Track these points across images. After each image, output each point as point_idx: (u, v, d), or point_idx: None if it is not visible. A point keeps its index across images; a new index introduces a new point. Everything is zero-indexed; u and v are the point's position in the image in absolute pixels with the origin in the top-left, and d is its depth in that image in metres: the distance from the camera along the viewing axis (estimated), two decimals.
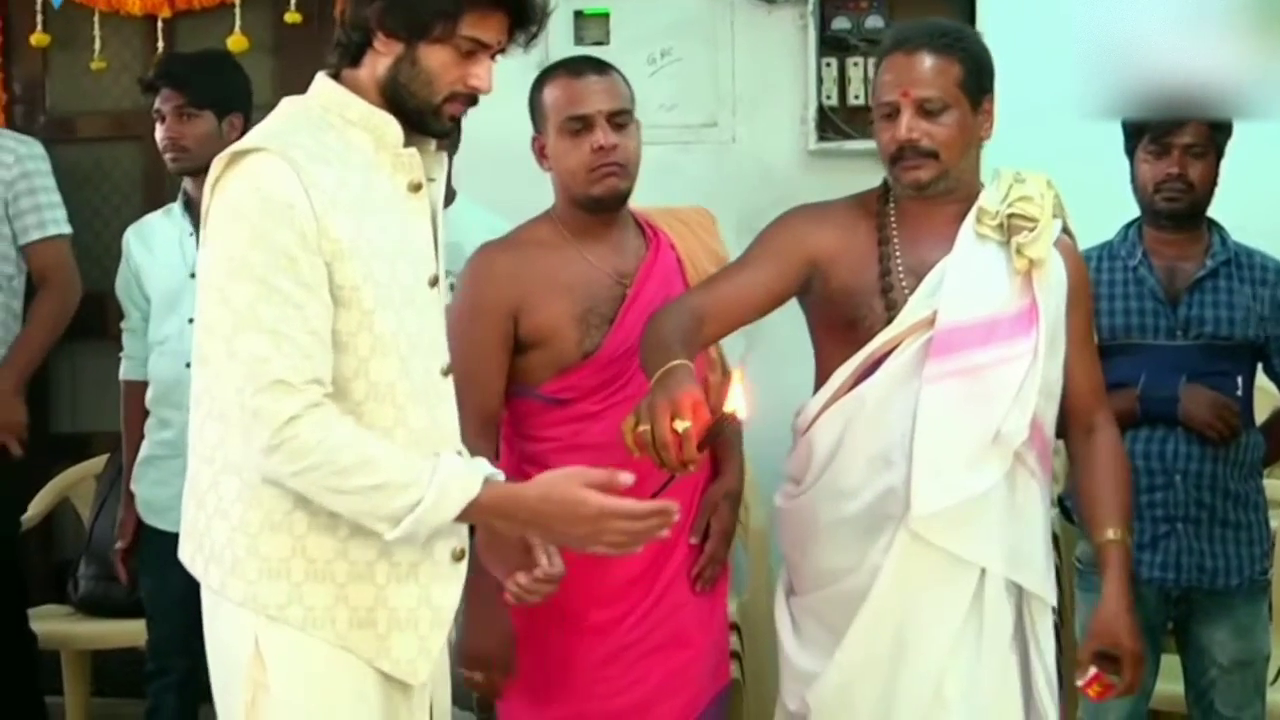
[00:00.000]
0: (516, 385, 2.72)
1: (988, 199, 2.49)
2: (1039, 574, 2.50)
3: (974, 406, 2.40)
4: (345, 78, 2.07)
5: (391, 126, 2.04)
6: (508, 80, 2.18)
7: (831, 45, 4.02)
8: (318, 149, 1.99)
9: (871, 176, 3.86)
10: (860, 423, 2.45)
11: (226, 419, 1.99)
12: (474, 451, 2.22)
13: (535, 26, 2.06)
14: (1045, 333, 2.44)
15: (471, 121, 2.23)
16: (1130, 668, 2.49)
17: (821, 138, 4.03)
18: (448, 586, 2.08)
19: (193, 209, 3.49)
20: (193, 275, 3.33)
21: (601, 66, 2.73)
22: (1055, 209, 2.50)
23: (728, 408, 2.08)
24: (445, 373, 2.12)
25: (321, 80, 2.08)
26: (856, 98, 3.99)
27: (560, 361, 2.68)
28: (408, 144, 2.06)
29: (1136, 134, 3.09)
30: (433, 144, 2.12)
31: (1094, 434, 2.59)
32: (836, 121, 4.03)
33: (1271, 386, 3.26)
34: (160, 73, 3.56)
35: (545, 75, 2.74)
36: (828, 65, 4.02)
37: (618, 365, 2.67)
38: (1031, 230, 2.44)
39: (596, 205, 2.69)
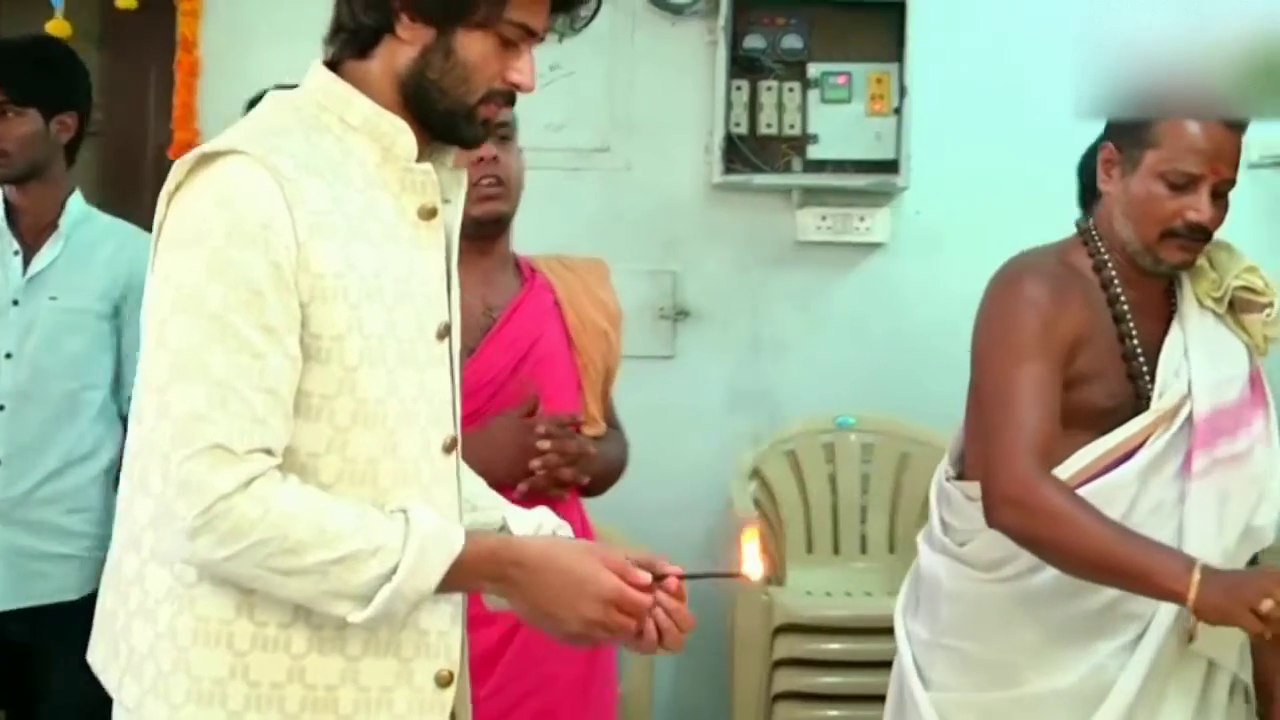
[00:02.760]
0: None
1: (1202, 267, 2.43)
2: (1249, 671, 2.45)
3: (1235, 501, 2.33)
4: (348, 70, 1.75)
5: (404, 136, 1.73)
6: None
7: (743, 66, 3.87)
8: (312, 157, 1.69)
9: (780, 215, 3.68)
10: (1112, 514, 2.31)
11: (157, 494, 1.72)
12: None
13: (586, 11, 1.79)
14: (1276, 415, 2.41)
15: None
16: None
17: (728, 169, 3.86)
18: (429, 718, 1.77)
19: (16, 221, 3.08)
20: (15, 302, 2.97)
21: None
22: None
23: (745, 569, 1.87)
24: (449, 448, 1.81)
25: (319, 71, 1.77)
26: (769, 126, 3.84)
27: None
28: (422, 158, 1.76)
29: None
30: (450, 158, 1.82)
31: None
32: (745, 152, 3.85)
33: None
34: None
35: None
36: (738, 89, 3.85)
37: (475, 401, 2.53)
38: (1272, 306, 2.38)
39: (474, 228, 2.56)
